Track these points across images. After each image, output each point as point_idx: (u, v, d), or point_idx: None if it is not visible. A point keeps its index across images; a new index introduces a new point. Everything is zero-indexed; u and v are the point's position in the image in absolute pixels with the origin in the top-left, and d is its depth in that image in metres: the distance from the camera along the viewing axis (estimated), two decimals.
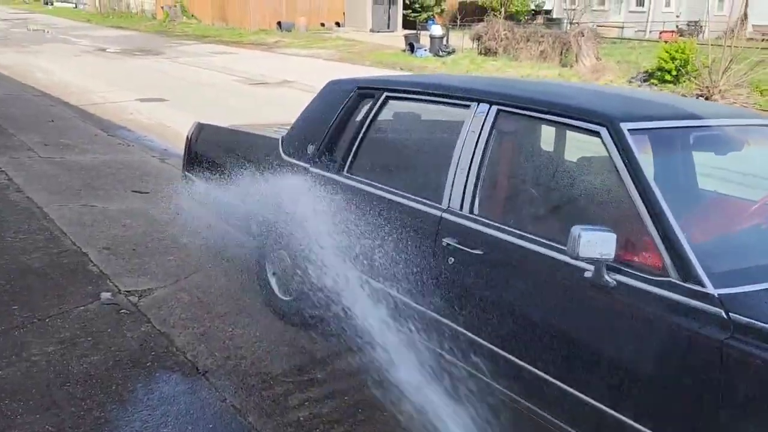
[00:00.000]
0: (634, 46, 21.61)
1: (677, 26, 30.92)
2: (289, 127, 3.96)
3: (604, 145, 2.35)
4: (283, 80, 15.90)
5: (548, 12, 34.67)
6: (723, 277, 2.05)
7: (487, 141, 2.76)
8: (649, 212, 2.17)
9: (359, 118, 3.46)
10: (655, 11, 31.79)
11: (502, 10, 28.80)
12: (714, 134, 2.77)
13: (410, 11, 32.21)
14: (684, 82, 15.31)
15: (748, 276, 2.10)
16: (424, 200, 2.93)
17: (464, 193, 2.77)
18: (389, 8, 31.55)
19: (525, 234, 2.52)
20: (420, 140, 3.65)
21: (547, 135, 3.18)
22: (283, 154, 3.78)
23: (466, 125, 2.84)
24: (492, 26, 20.66)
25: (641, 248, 2.24)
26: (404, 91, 3.41)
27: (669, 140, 2.74)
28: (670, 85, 15.38)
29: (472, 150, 2.77)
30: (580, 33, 18.05)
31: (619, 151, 2.29)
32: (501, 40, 20.22)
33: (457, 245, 2.71)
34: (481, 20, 22.88)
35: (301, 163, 3.63)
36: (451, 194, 2.81)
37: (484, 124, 2.78)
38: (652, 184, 2.21)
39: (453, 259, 2.72)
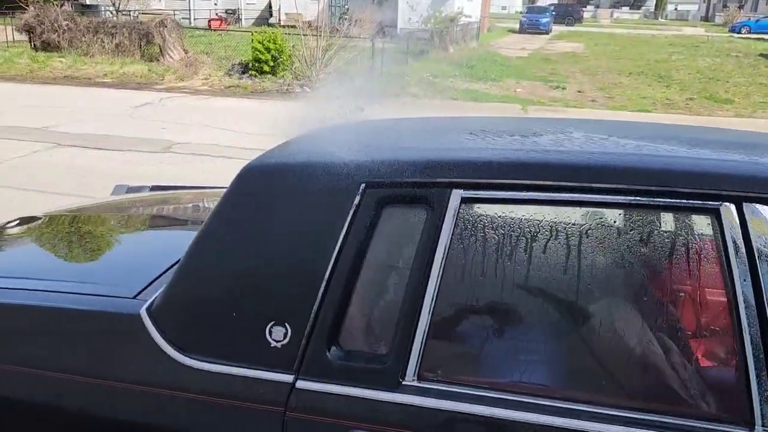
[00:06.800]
0: (211, 37, 21.18)
1: (217, 14, 31.76)
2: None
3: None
4: None
5: None
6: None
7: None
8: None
9: (399, 250, 1.68)
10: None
11: None
12: None
13: None
14: (281, 72, 15.74)
15: None
16: None
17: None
18: None
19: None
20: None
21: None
22: (180, 356, 1.62)
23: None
24: (48, 15, 17.42)
25: None
26: (526, 186, 1.51)
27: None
28: (270, 76, 15.62)
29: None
30: (161, 23, 16.69)
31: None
32: (64, 32, 17.27)
33: None
34: (23, 8, 19.02)
35: (258, 372, 1.57)
36: None
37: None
38: None
39: None
